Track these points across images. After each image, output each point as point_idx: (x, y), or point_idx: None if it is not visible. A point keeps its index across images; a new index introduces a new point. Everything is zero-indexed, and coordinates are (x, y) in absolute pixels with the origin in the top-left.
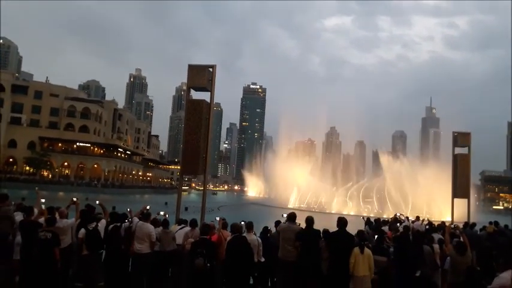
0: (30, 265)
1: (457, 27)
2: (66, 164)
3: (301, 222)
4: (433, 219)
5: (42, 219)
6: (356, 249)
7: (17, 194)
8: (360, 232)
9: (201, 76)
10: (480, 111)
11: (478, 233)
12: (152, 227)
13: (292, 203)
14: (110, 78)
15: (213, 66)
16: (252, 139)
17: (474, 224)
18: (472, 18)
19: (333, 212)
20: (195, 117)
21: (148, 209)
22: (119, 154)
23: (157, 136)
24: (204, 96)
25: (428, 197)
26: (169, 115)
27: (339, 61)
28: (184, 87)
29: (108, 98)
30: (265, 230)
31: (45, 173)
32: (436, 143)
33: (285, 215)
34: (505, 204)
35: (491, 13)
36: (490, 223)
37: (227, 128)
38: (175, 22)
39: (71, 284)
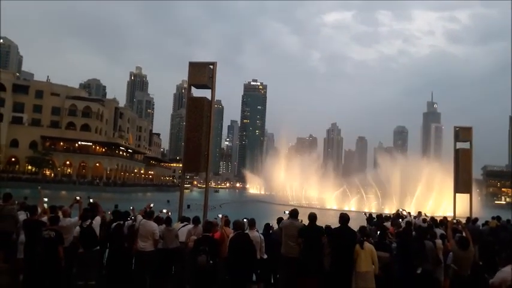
0: (34, 264)
1: (459, 21)
2: (68, 163)
3: (303, 218)
4: (435, 215)
5: (45, 218)
6: (357, 246)
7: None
8: (361, 228)
9: (202, 73)
10: (482, 106)
11: (481, 228)
12: (156, 224)
13: (294, 200)
14: (111, 76)
15: (213, 64)
16: (253, 136)
17: (476, 219)
18: (473, 12)
19: (334, 208)
20: (196, 114)
21: (152, 207)
22: (121, 152)
23: (158, 134)
24: (205, 93)
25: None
26: (170, 113)
27: (340, 57)
28: (185, 85)
29: (109, 96)
30: (267, 226)
31: (47, 172)
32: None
33: (287, 212)
34: (507, 199)
35: (493, 6)
36: (493, 218)
37: (228, 126)
38: (175, 19)
39: (74, 282)
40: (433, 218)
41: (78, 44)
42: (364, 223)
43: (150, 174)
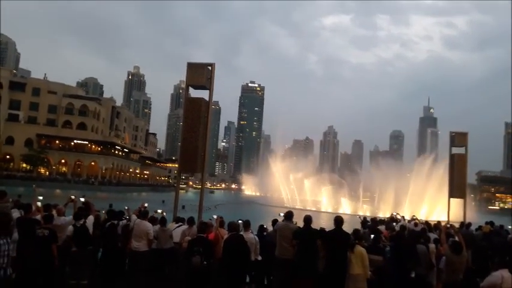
0: (27, 262)
1: (456, 27)
2: (63, 161)
3: (297, 221)
4: (429, 219)
5: (39, 217)
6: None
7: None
8: (354, 231)
9: (200, 74)
10: (478, 111)
11: (474, 233)
12: (150, 224)
13: (289, 202)
14: (108, 75)
15: (212, 65)
16: (250, 138)
17: (470, 224)
18: (470, 18)
19: (329, 211)
20: (193, 115)
21: (146, 207)
22: (117, 152)
23: (155, 134)
24: (203, 94)
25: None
26: (167, 113)
27: (337, 60)
28: (183, 85)
29: (106, 95)
30: (261, 228)
31: (42, 170)
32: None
33: (282, 214)
34: (501, 205)
35: (490, 13)
36: (486, 223)
37: (225, 127)
38: (173, 19)
39: (66, 281)
40: (427, 222)
41: (76, 42)
42: (359, 226)
43: (146, 174)
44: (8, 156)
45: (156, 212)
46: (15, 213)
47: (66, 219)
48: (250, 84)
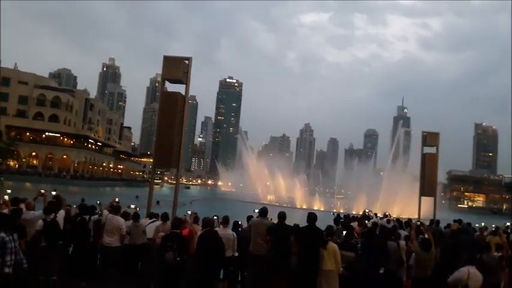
0: None
1: (431, 28)
2: (34, 154)
3: (272, 217)
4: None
5: (6, 211)
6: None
7: None
8: (327, 227)
9: (177, 68)
10: (450, 112)
11: (443, 230)
12: (123, 220)
13: (265, 199)
14: (82, 67)
15: (188, 59)
16: (227, 133)
17: (438, 222)
18: (445, 20)
19: (304, 207)
20: (169, 110)
21: (118, 202)
22: (90, 145)
23: (129, 128)
24: (179, 88)
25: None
26: (142, 107)
27: (315, 58)
28: (159, 79)
29: (79, 87)
30: (236, 224)
31: (12, 163)
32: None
33: (256, 210)
34: (469, 203)
35: (464, 15)
36: (454, 221)
37: (202, 122)
38: (151, 11)
39: (36, 277)
40: (398, 220)
41: (49, 31)
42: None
43: (120, 168)
44: None
45: (129, 207)
46: None
47: (36, 213)
48: (228, 80)
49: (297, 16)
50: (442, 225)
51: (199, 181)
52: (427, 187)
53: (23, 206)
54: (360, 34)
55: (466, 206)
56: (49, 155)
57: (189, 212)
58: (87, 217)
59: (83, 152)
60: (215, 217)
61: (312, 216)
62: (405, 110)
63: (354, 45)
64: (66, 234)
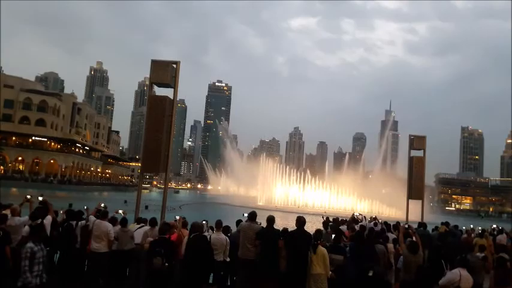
0: None
1: (417, 33)
2: (20, 158)
3: (262, 221)
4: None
5: None
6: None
7: None
8: (316, 231)
9: (165, 72)
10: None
11: (431, 233)
12: (110, 225)
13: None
14: (70, 70)
15: (177, 63)
16: (216, 137)
17: (425, 225)
18: (431, 24)
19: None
20: (157, 114)
21: (103, 207)
22: (77, 149)
23: (117, 132)
24: (167, 92)
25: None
26: (131, 110)
27: (303, 61)
28: (148, 82)
29: (67, 91)
30: (226, 229)
31: None
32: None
33: (246, 214)
34: (457, 206)
35: (449, 20)
36: (442, 224)
37: (191, 126)
38: (139, 15)
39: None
40: (386, 223)
41: (35, 34)
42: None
43: (108, 173)
44: None
45: (116, 212)
46: None
47: (21, 219)
48: (217, 84)
49: (285, 20)
50: (430, 228)
51: (188, 185)
52: (414, 190)
53: (8, 211)
54: (348, 38)
55: (454, 208)
56: (36, 160)
57: (177, 217)
58: (74, 222)
59: (71, 156)
60: (204, 222)
61: (300, 220)
62: (393, 114)
63: (342, 49)
64: (53, 240)
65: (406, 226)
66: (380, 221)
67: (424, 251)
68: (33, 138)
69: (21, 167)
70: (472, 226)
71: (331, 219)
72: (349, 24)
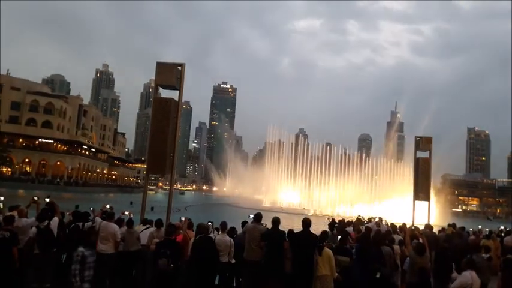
0: None
1: (422, 34)
2: (27, 160)
3: (267, 222)
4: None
5: None
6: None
7: None
8: (321, 233)
9: (170, 74)
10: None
11: (437, 234)
12: (117, 226)
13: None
14: (76, 72)
15: (181, 65)
16: (221, 139)
17: (431, 226)
18: (436, 25)
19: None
20: (162, 116)
21: (108, 208)
22: (83, 151)
23: (123, 134)
24: (173, 94)
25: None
26: (136, 112)
27: (309, 63)
28: (153, 84)
29: (73, 93)
30: (232, 230)
31: (5, 170)
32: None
33: (251, 216)
34: (464, 207)
35: (455, 21)
36: (449, 225)
37: (196, 127)
38: (144, 17)
39: (28, 284)
40: (392, 224)
41: (41, 37)
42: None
43: (114, 174)
44: None
45: (123, 213)
46: None
47: (28, 220)
48: (222, 85)
49: (289, 21)
50: (436, 230)
51: (194, 186)
52: (421, 191)
53: (15, 213)
54: (353, 40)
55: (461, 209)
56: (42, 162)
57: (183, 218)
58: (80, 224)
59: (77, 158)
60: (209, 223)
61: (306, 222)
62: (398, 115)
63: (347, 50)
64: (60, 241)
65: (413, 228)
66: (386, 222)
67: (431, 252)
68: (40, 140)
69: (28, 168)
70: (480, 227)
71: (336, 220)
72: (354, 26)
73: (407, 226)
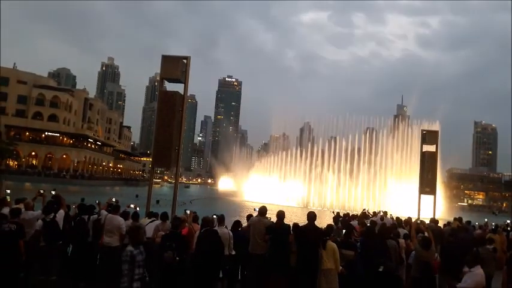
0: None
1: (429, 27)
2: (33, 153)
3: (272, 216)
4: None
5: (6, 211)
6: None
7: None
8: (327, 226)
9: (175, 67)
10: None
11: (443, 228)
12: (122, 219)
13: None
14: (81, 66)
15: (187, 58)
16: (226, 132)
17: (437, 220)
18: (443, 18)
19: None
20: (167, 109)
21: (114, 201)
22: (89, 145)
23: (129, 127)
24: (178, 87)
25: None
26: (142, 106)
27: (314, 56)
28: (159, 78)
29: (79, 86)
30: (236, 223)
31: (11, 163)
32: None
33: (256, 209)
34: (469, 201)
35: (462, 14)
36: (455, 219)
37: (201, 121)
38: (150, 10)
39: (34, 277)
40: (397, 218)
41: (47, 30)
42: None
43: (120, 167)
44: None
45: (128, 206)
46: None
47: (34, 213)
48: (227, 79)
49: (295, 15)
50: (441, 223)
51: (199, 180)
52: (426, 185)
53: (21, 206)
54: (359, 33)
55: (466, 203)
56: (49, 155)
57: (188, 211)
58: (86, 217)
59: (83, 151)
60: (214, 216)
61: (311, 215)
62: (405, 108)
63: (353, 43)
64: (66, 234)
65: (419, 221)
66: (391, 215)
67: (436, 246)
68: (46, 133)
69: (34, 161)
70: (486, 220)
71: (341, 214)
72: (360, 19)
73: (413, 220)
